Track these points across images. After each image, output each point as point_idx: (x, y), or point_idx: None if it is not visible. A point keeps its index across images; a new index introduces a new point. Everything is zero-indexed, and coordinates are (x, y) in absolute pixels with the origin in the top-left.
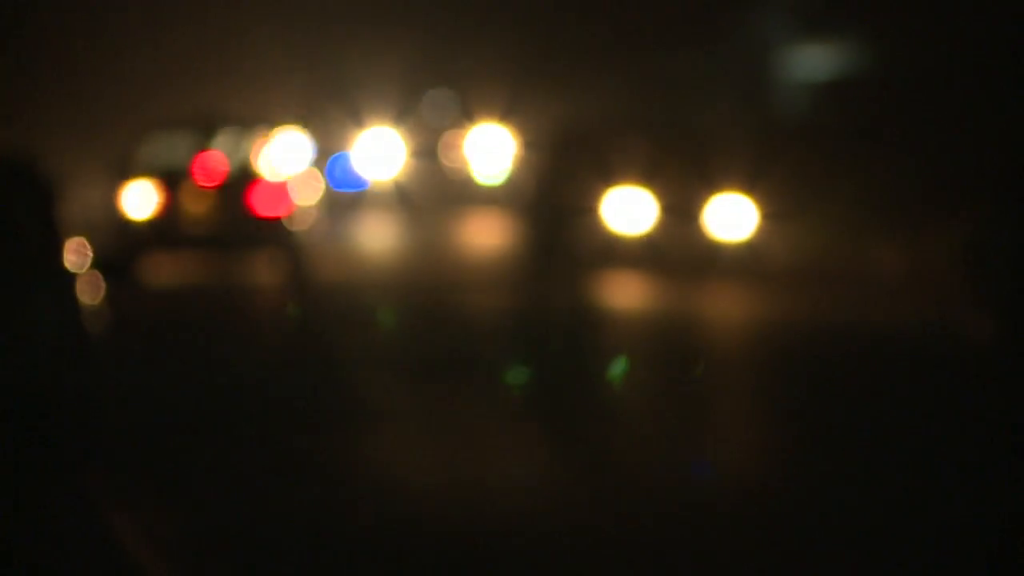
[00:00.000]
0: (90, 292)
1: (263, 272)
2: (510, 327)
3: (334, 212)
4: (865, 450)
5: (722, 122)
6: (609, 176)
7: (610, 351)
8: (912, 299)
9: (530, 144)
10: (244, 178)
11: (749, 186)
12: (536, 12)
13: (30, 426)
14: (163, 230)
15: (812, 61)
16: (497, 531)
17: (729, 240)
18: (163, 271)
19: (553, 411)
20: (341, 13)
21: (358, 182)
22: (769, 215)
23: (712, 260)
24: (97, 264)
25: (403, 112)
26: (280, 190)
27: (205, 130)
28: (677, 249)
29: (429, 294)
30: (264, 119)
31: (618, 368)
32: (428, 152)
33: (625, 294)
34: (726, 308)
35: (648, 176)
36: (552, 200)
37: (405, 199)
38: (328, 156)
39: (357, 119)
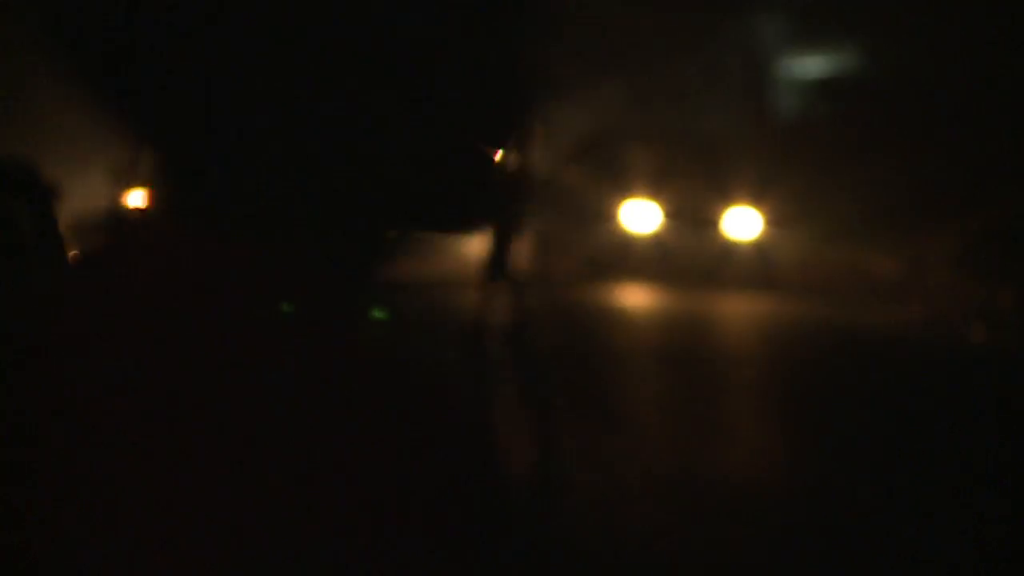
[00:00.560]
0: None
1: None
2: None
3: None
4: (869, 451)
5: (727, 128)
6: (621, 183)
7: (617, 353)
8: (914, 300)
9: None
10: None
11: (756, 192)
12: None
13: (30, 426)
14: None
15: (815, 65)
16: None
17: (738, 242)
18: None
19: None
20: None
21: None
22: (774, 220)
23: (718, 264)
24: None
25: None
26: None
27: None
28: (684, 253)
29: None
30: None
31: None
32: None
33: (635, 297)
34: (730, 310)
35: (655, 183)
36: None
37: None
38: None
39: None
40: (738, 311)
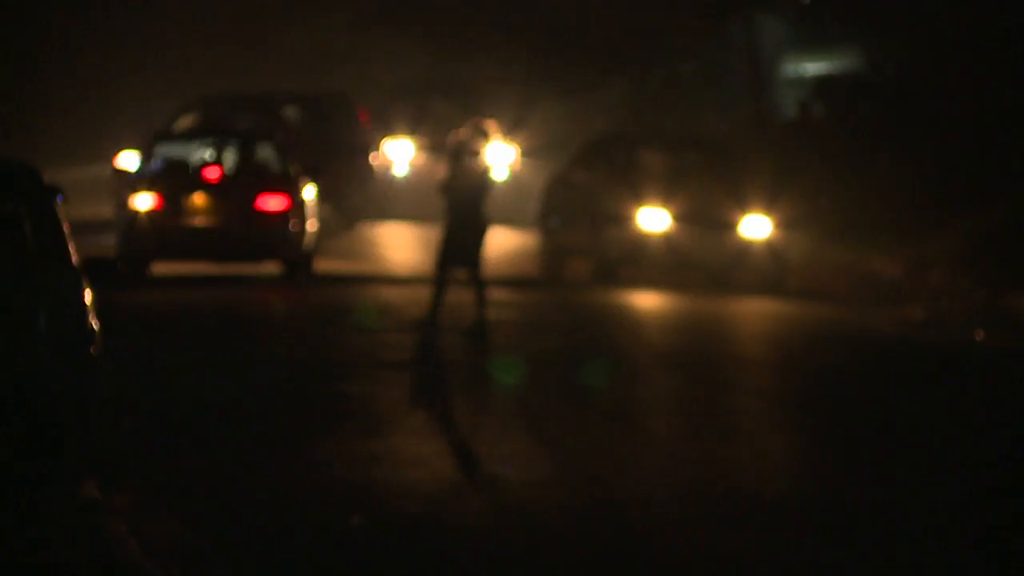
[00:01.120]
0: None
1: (266, 270)
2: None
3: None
4: (874, 453)
5: (730, 128)
6: (633, 184)
7: (622, 354)
8: (917, 300)
9: (533, 152)
10: (250, 179)
11: (766, 196)
12: (543, 20)
13: (30, 426)
14: (170, 229)
15: (817, 66)
16: (495, 527)
17: (750, 241)
18: (169, 270)
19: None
20: (346, 20)
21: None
22: (782, 223)
23: (728, 266)
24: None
25: (414, 122)
26: (287, 190)
27: (215, 135)
28: (694, 254)
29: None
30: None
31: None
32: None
33: (647, 298)
34: (738, 312)
35: (665, 184)
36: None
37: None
38: None
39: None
40: (746, 312)
